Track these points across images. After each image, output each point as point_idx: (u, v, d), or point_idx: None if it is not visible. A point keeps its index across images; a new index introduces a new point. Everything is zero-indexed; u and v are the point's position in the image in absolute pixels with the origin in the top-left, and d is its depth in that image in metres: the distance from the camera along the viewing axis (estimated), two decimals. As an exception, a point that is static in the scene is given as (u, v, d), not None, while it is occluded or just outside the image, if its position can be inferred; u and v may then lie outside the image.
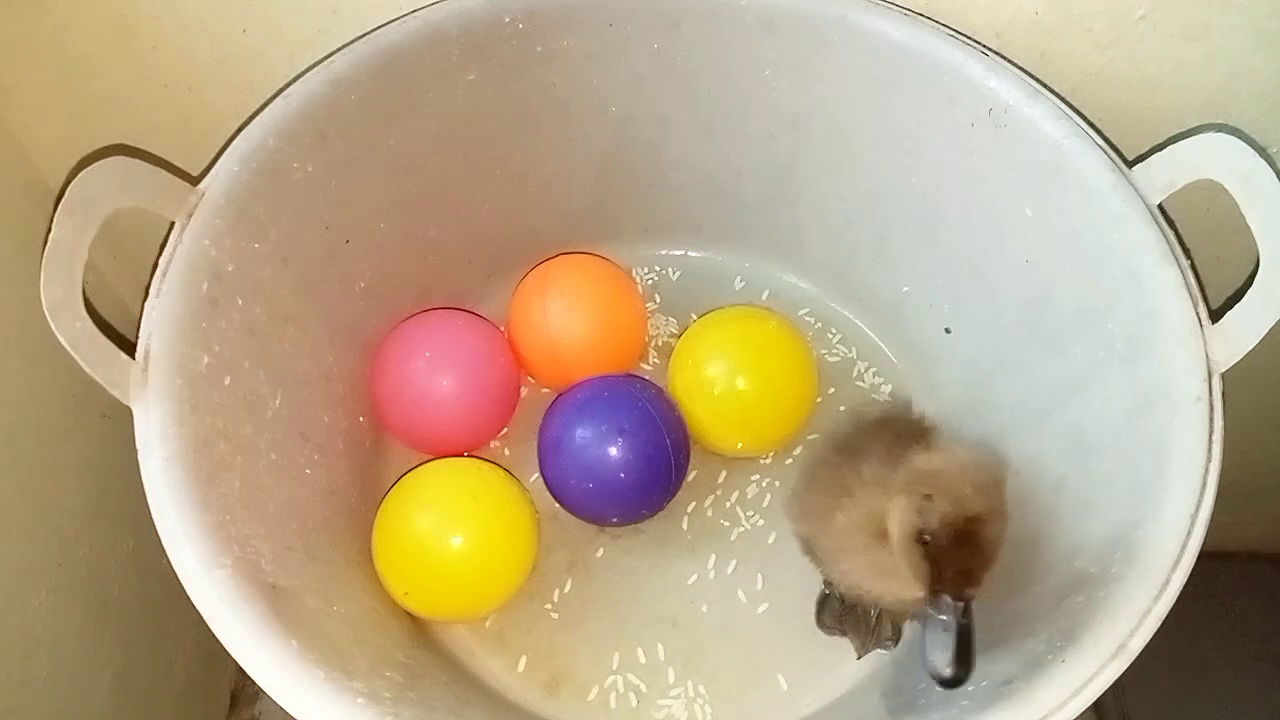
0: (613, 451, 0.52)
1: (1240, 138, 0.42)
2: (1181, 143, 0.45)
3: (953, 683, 0.36)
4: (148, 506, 0.39)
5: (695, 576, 0.55)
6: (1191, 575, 0.38)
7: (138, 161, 0.43)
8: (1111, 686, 0.36)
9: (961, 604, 0.37)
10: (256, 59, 0.54)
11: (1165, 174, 0.45)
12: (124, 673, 0.62)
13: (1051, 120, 0.48)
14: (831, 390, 0.61)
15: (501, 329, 0.60)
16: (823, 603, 0.53)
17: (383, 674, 0.41)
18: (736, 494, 0.58)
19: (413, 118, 0.53)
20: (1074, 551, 0.44)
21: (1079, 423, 0.48)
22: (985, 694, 0.39)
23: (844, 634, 0.52)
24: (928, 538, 0.37)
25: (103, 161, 0.41)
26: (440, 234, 0.59)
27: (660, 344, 0.63)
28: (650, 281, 0.66)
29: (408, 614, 0.52)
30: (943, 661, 0.36)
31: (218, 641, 0.37)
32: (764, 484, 0.58)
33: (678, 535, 0.56)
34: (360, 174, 0.52)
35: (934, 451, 0.42)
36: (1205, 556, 0.38)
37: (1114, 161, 0.46)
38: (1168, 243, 0.44)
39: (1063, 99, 0.48)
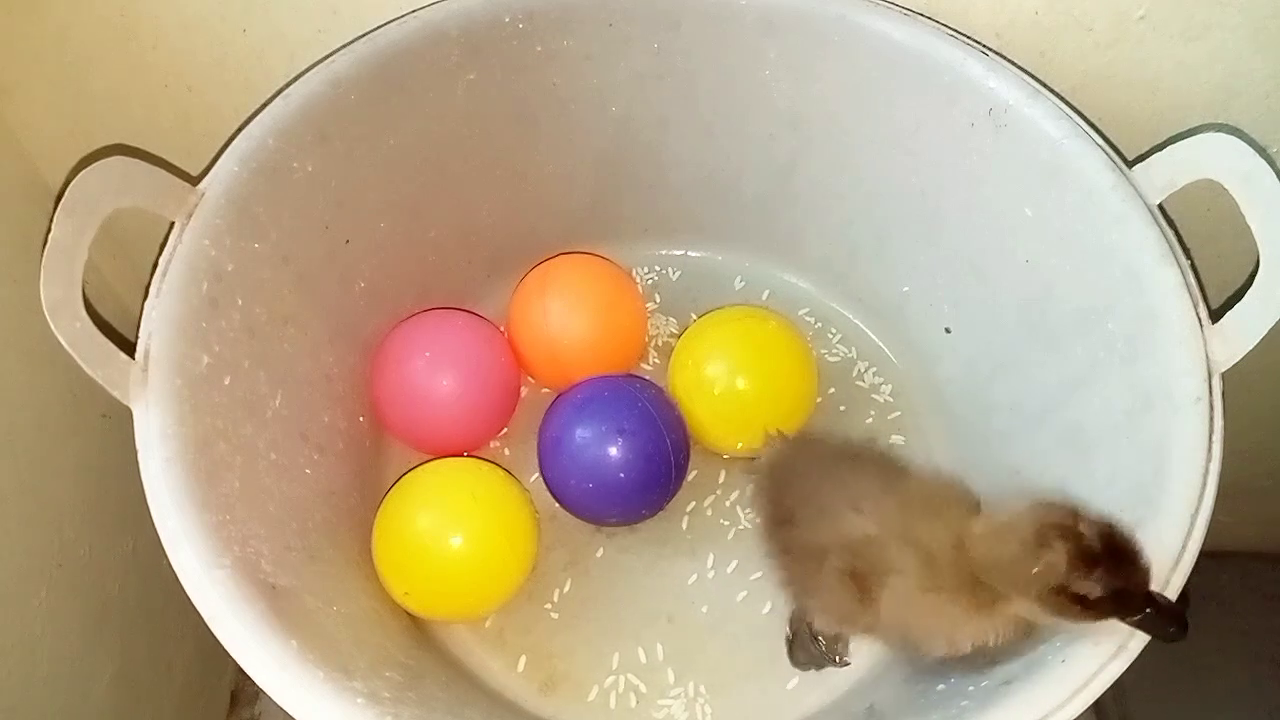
0: (613, 451, 0.52)
1: (1240, 138, 0.42)
2: (1181, 143, 0.45)
3: (1184, 634, 0.36)
4: (148, 506, 0.39)
5: (695, 576, 0.55)
6: (1191, 575, 0.38)
7: (138, 161, 0.43)
8: (1111, 686, 0.36)
9: (1154, 598, 0.36)
10: (256, 59, 0.54)
11: (1165, 174, 0.45)
12: (124, 673, 0.62)
13: (1051, 120, 0.48)
14: (831, 390, 0.61)
15: (501, 329, 0.60)
16: (793, 643, 0.52)
17: (383, 674, 0.41)
18: (736, 494, 0.58)
19: (413, 118, 0.53)
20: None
21: (1079, 423, 0.48)
22: (985, 694, 0.39)
23: (820, 668, 0.52)
24: (1097, 595, 0.36)
25: (103, 161, 0.41)
26: (440, 234, 0.59)
27: (660, 344, 0.63)
28: (650, 281, 0.66)
29: (408, 614, 0.52)
30: (1169, 634, 0.36)
31: (218, 641, 0.37)
32: (764, 484, 0.58)
33: (677, 535, 0.56)
34: (360, 174, 0.52)
35: (989, 528, 0.39)
36: (1205, 556, 0.38)
37: (1114, 161, 0.46)
38: (1168, 243, 0.44)
39: (1063, 99, 0.48)
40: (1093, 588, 0.35)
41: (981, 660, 0.42)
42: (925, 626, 0.41)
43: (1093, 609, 0.36)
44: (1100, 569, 0.35)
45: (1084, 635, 0.37)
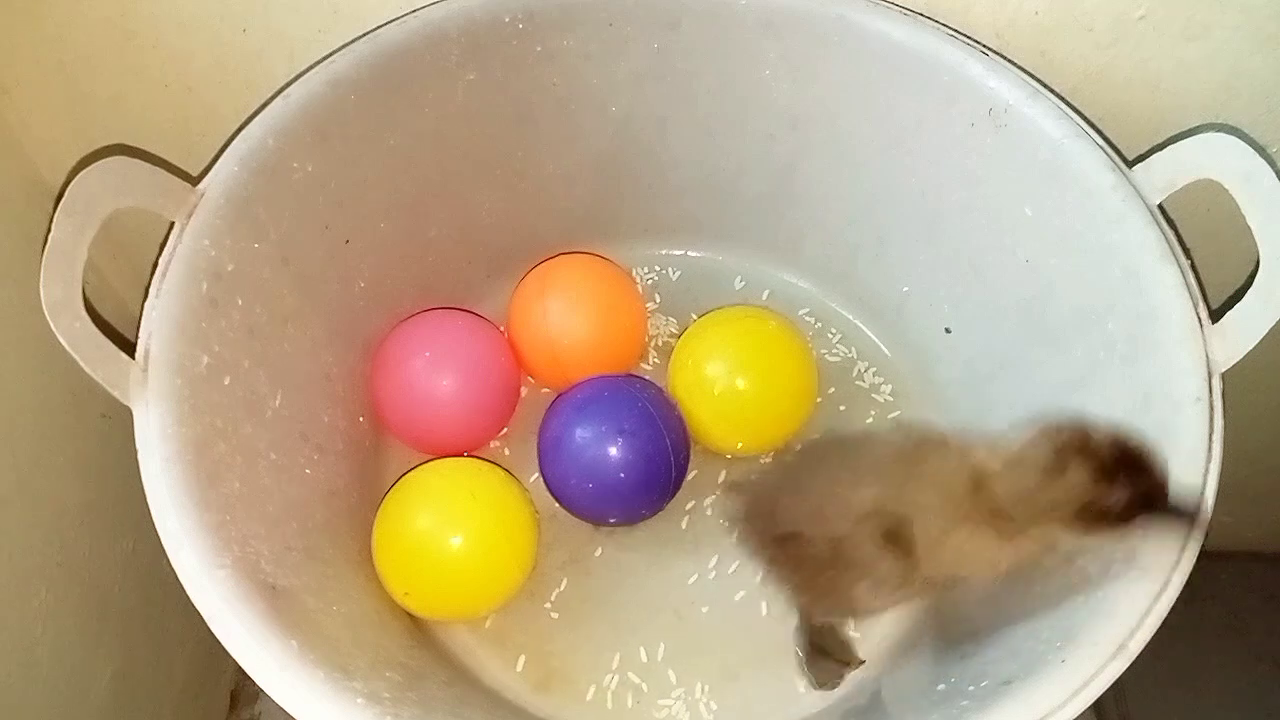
0: (613, 451, 0.52)
1: (1240, 138, 0.42)
2: (1181, 143, 0.45)
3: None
4: (148, 506, 0.39)
5: (695, 576, 0.55)
6: (1191, 575, 0.38)
7: (138, 161, 0.43)
8: (1111, 686, 0.36)
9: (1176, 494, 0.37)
10: (256, 59, 0.54)
11: (1165, 174, 0.45)
12: (124, 672, 0.62)
13: (1051, 120, 0.48)
14: (831, 390, 0.61)
15: (501, 329, 0.60)
16: (809, 663, 0.52)
17: (383, 674, 0.41)
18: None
19: (413, 118, 0.53)
20: (1074, 551, 0.44)
21: (1079, 423, 0.48)
22: (985, 694, 0.39)
23: (841, 677, 0.51)
24: (1125, 503, 0.36)
25: (103, 161, 0.41)
26: (440, 234, 0.59)
27: (660, 344, 0.63)
28: (650, 281, 0.66)
29: (408, 614, 0.52)
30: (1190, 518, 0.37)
31: (218, 641, 0.37)
32: (764, 484, 0.58)
33: (677, 535, 0.56)
34: (360, 174, 0.52)
35: (1005, 463, 0.40)
36: (1205, 556, 0.38)
37: (1114, 161, 0.46)
38: (1168, 243, 0.44)
39: (1063, 99, 0.48)
40: (1119, 497, 0.36)
41: (1031, 588, 0.42)
42: (967, 557, 0.41)
43: (1122, 517, 0.37)
44: (1121, 477, 0.36)
45: (1088, 631, 0.37)
